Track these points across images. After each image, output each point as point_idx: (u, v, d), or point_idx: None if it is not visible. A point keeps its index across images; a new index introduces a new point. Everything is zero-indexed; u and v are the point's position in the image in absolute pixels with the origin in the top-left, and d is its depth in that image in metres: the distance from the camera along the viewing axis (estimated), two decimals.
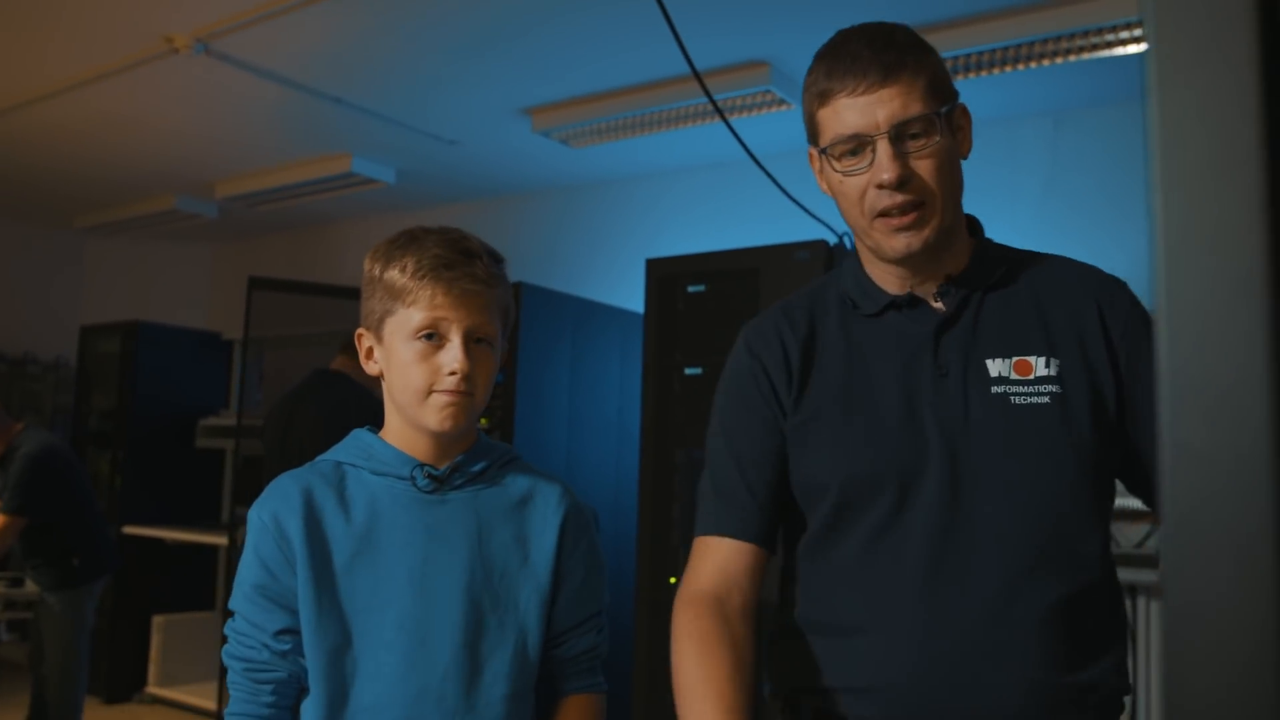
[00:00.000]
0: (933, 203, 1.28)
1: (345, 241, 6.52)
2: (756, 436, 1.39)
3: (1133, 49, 3.26)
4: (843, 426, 1.33)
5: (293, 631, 1.35)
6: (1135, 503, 2.96)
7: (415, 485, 1.41)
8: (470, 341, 1.37)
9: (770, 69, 3.79)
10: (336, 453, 1.46)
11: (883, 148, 1.26)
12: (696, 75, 2.49)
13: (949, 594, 1.24)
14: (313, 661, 1.33)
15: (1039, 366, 1.29)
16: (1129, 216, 3.63)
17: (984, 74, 3.55)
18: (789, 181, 3.36)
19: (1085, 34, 3.21)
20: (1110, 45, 3.25)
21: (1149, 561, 3.17)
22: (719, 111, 2.75)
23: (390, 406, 1.45)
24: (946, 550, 1.25)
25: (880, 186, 1.27)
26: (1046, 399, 1.27)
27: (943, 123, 1.28)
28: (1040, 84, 3.78)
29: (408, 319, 1.37)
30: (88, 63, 4.14)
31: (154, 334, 6.07)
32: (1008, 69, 3.49)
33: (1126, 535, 3.30)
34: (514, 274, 5.27)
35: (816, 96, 1.32)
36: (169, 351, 6.13)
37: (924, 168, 1.27)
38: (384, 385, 1.45)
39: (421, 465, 1.42)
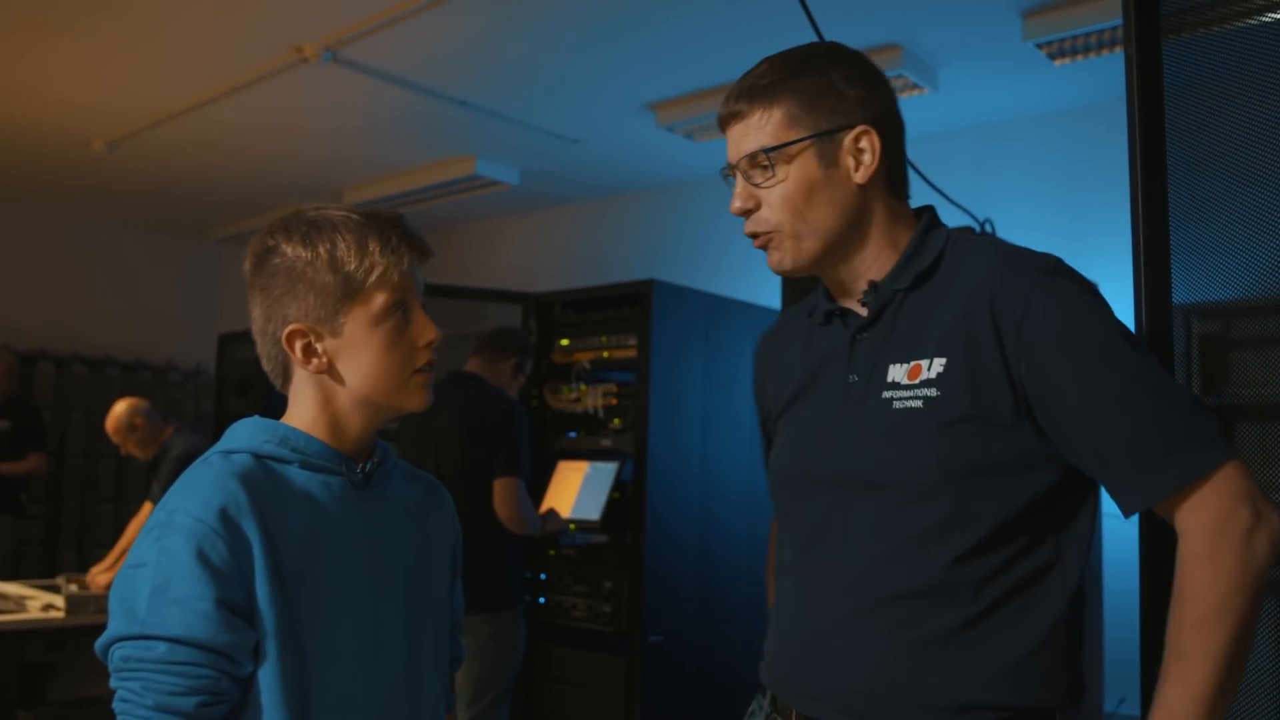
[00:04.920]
0: (781, 229, 1.39)
1: (470, 245, 6.68)
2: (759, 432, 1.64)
3: None
4: (784, 431, 1.51)
5: (257, 649, 1.19)
6: None
7: (350, 481, 1.31)
8: None
9: (902, 52, 3.75)
10: (244, 444, 1.28)
11: (737, 181, 1.41)
12: None
13: (820, 583, 1.39)
14: (269, 684, 1.18)
15: (925, 370, 1.32)
16: None
17: None
18: (923, 168, 3.32)
19: None
20: None
21: None
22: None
23: (321, 399, 1.31)
24: (826, 537, 1.39)
25: (734, 213, 1.42)
26: (920, 403, 1.31)
27: (805, 150, 1.36)
28: None
29: (374, 302, 1.28)
30: (221, 78, 4.34)
31: None
32: None
33: None
34: (641, 270, 5.32)
35: None
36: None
37: (770, 198, 1.38)
38: (317, 381, 1.31)
39: (347, 459, 1.32)
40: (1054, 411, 1.27)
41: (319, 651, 1.22)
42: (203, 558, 1.15)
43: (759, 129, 1.38)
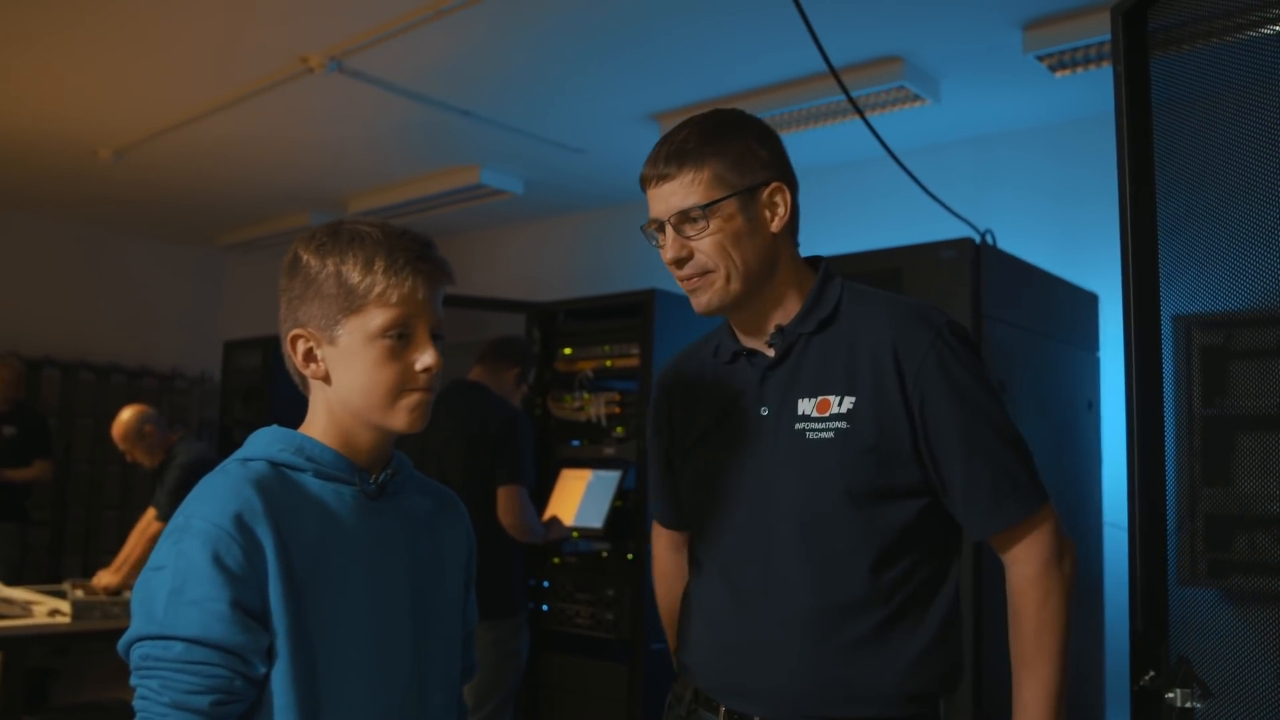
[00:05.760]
0: (715, 272, 1.54)
1: (473, 253, 6.68)
2: (658, 456, 1.81)
3: None
4: (697, 458, 1.67)
5: (270, 651, 1.22)
6: None
7: (362, 491, 1.34)
8: (431, 336, 1.33)
9: (904, 64, 3.75)
10: (260, 452, 1.32)
11: (667, 232, 1.56)
12: (832, 70, 2.49)
13: (748, 595, 1.56)
14: (281, 686, 1.21)
15: (834, 405, 1.53)
16: None
17: None
18: (924, 179, 3.32)
19: None
20: None
21: None
22: (856, 108, 2.74)
23: (327, 408, 1.35)
24: (751, 555, 1.56)
25: (667, 262, 1.57)
26: (831, 434, 1.52)
27: (731, 206, 1.53)
28: None
29: (371, 319, 1.29)
30: (227, 87, 4.35)
31: None
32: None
33: None
34: (643, 280, 5.30)
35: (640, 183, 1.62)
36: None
37: (703, 246, 1.54)
38: (322, 387, 1.35)
39: (360, 470, 1.35)
40: (933, 444, 1.51)
41: (328, 655, 1.25)
42: (218, 561, 1.18)
43: (689, 188, 1.53)
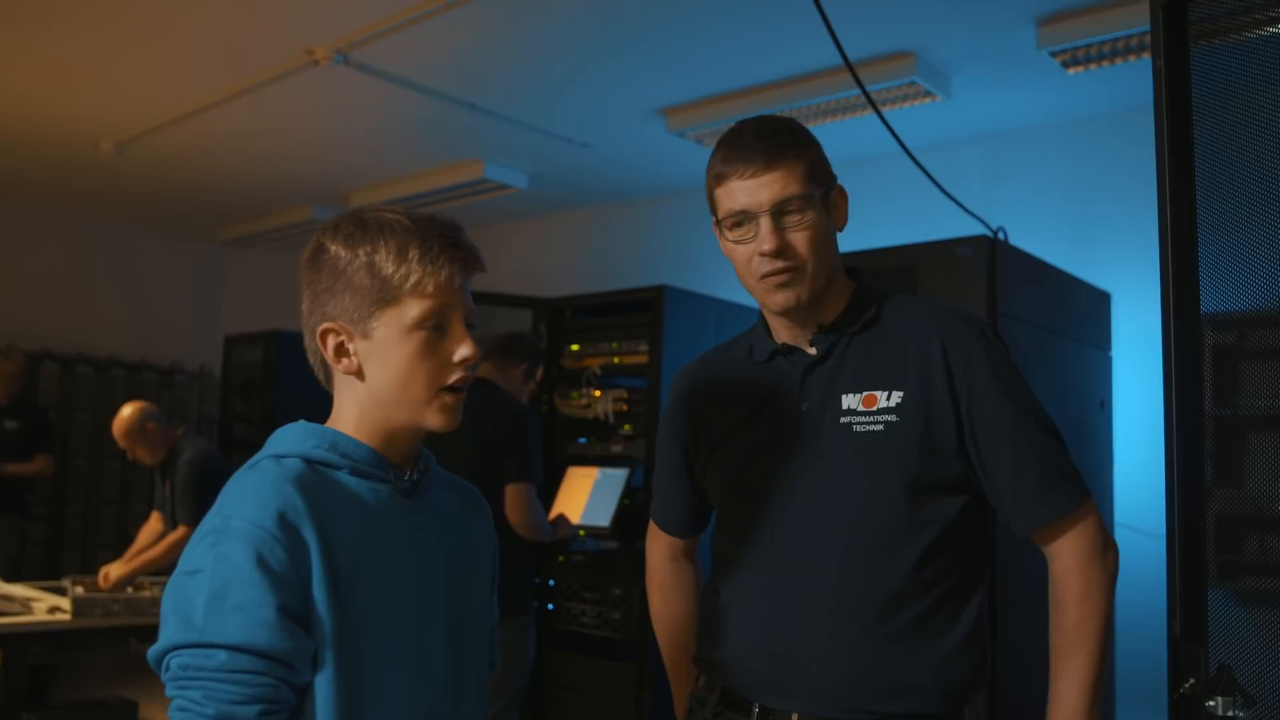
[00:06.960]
0: (805, 267, 1.56)
1: (478, 248, 6.71)
2: (673, 461, 1.82)
3: None
4: (727, 454, 1.69)
5: (315, 656, 1.19)
6: None
7: (397, 489, 1.32)
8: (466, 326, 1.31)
9: (915, 59, 3.77)
10: (294, 448, 1.28)
11: (764, 223, 1.54)
12: (847, 63, 2.50)
13: (788, 588, 1.57)
14: (324, 691, 1.18)
15: (881, 399, 1.57)
16: None
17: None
18: (935, 175, 3.33)
19: None
20: None
21: None
22: (871, 102, 2.75)
23: (357, 403, 1.31)
24: (793, 547, 1.57)
25: (762, 254, 1.55)
26: (881, 427, 1.55)
27: (818, 202, 1.56)
28: None
29: (407, 311, 1.26)
30: (232, 79, 4.37)
31: (294, 343, 6.32)
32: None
33: None
34: (651, 276, 5.31)
35: (714, 178, 1.60)
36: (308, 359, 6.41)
37: (798, 239, 1.55)
38: (353, 383, 1.31)
39: (394, 466, 1.33)
40: (980, 437, 1.55)
41: (369, 658, 1.22)
42: (262, 564, 1.14)
43: (788, 178, 1.54)
